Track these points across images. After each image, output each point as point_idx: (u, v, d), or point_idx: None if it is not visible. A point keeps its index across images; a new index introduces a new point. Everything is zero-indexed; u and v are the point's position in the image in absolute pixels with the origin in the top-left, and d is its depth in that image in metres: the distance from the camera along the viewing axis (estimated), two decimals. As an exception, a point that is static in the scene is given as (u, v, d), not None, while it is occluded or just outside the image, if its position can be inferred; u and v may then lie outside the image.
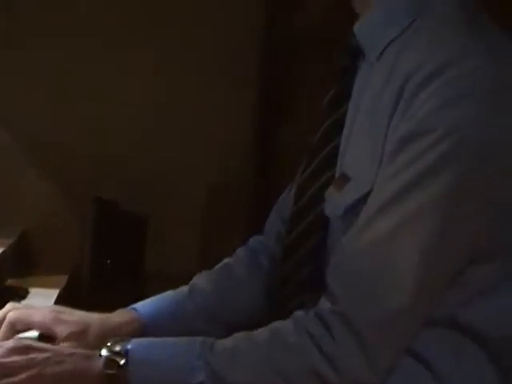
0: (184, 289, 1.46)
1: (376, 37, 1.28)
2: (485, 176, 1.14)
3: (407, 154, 1.15)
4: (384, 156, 1.18)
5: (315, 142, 1.36)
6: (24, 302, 1.72)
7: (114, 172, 3.78)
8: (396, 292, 1.12)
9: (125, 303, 1.43)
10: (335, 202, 1.26)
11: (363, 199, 1.19)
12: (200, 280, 1.48)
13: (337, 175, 1.29)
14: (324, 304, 1.17)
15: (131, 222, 3.03)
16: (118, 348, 1.18)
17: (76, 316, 1.35)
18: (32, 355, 1.18)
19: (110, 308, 1.42)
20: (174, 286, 1.50)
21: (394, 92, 1.19)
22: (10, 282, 1.98)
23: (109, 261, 2.57)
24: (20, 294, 1.78)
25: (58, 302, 1.80)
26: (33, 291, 1.85)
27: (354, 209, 1.21)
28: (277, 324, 1.19)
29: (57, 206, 2.44)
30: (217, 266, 1.50)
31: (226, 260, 1.52)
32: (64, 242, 2.38)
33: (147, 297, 1.47)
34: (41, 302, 1.74)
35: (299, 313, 1.19)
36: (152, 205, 3.60)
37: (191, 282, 1.48)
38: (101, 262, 2.42)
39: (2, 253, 1.98)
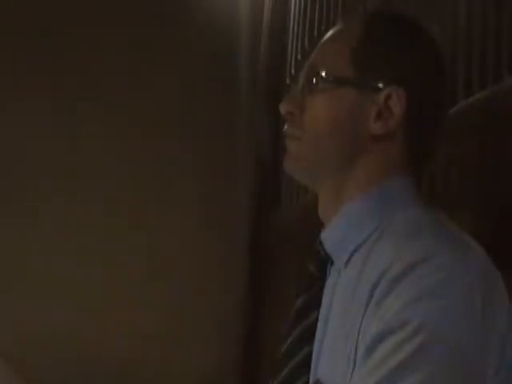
0: None
1: (342, 244, 1.32)
2: (457, 371, 1.14)
3: (380, 353, 1.15)
4: (358, 358, 1.19)
5: (286, 350, 1.35)
6: None
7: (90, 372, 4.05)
8: None
9: None
10: None
11: None
12: None
13: (311, 382, 1.29)
14: None
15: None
16: None
17: None
18: None
19: None
20: None
21: (364, 296, 1.21)
22: None
23: None
24: None
25: None
26: None
27: None
28: None
29: None
30: None
31: None
32: None
33: None
34: None
35: None
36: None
37: None
38: None
39: None
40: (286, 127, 1.40)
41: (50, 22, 4.26)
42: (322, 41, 1.45)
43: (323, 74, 1.35)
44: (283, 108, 1.39)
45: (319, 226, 1.38)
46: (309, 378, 1.31)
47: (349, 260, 1.31)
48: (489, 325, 1.19)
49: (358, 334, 1.22)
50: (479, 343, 1.17)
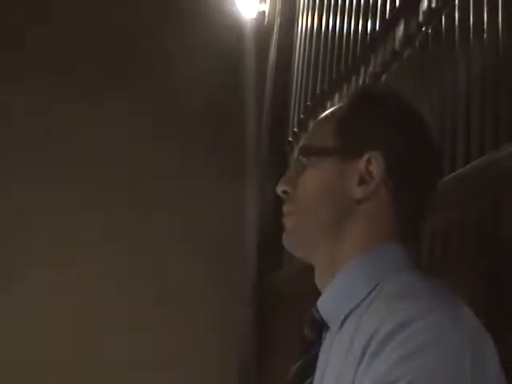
0: None
1: (337, 308, 1.36)
2: None
3: None
4: None
5: None
6: None
7: None
8: None
9: None
10: None
11: None
12: None
13: None
14: None
15: None
16: None
17: None
18: None
19: None
20: None
21: (357, 355, 1.23)
22: None
23: None
24: None
25: None
26: None
27: None
28: None
29: None
30: None
31: None
32: None
33: None
34: None
35: None
36: None
37: None
38: None
39: None
40: (283, 207, 1.46)
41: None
42: (313, 124, 1.54)
43: (309, 149, 1.43)
44: (278, 189, 1.46)
45: (314, 287, 1.42)
46: None
47: (343, 323, 1.35)
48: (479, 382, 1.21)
49: None
50: None
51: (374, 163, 1.39)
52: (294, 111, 3.99)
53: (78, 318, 4.38)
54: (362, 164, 1.39)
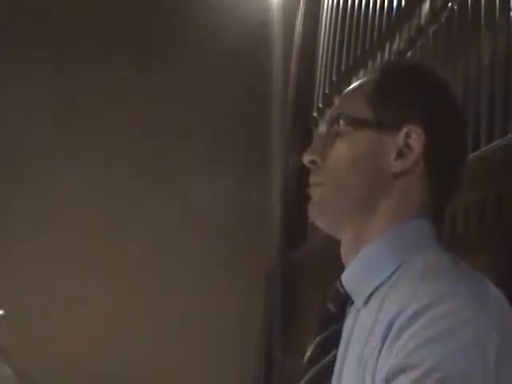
0: None
1: (363, 284, 1.33)
2: None
3: None
4: None
5: None
6: None
7: None
8: None
9: None
10: None
11: None
12: None
13: None
14: None
15: None
16: None
17: None
18: None
19: None
20: None
21: (381, 334, 1.22)
22: None
23: None
24: None
25: None
26: None
27: None
28: None
29: None
30: None
31: None
32: None
33: None
34: None
35: None
36: None
37: None
38: None
39: None
40: (310, 178, 1.40)
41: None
42: (343, 93, 1.48)
43: (342, 119, 1.37)
44: (306, 158, 1.40)
45: (338, 260, 1.40)
46: None
47: (368, 300, 1.32)
48: (504, 371, 1.18)
49: (375, 371, 1.22)
50: None
51: (413, 136, 1.34)
52: (319, 87, 3.98)
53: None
54: (400, 137, 1.34)
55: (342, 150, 1.37)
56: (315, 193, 1.39)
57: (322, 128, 1.33)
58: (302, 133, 4.11)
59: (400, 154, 1.34)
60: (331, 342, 1.35)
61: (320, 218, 1.40)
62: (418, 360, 1.15)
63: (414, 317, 1.18)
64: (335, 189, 1.36)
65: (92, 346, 4.38)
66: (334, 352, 1.34)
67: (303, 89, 4.17)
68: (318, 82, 4.02)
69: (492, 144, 2.04)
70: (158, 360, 4.49)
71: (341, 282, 1.37)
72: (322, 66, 3.98)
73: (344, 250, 1.39)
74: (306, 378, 1.35)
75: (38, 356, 4.01)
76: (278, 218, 4.19)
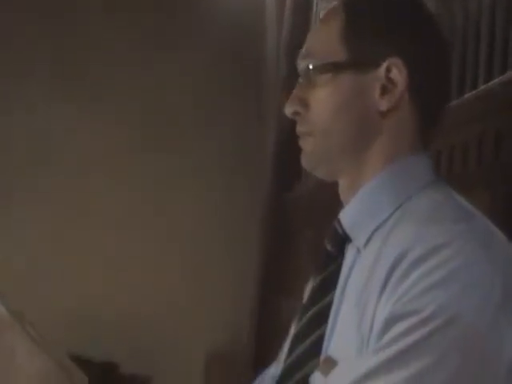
0: None
1: (362, 224, 1.29)
2: (468, 359, 1.12)
3: (390, 334, 1.14)
4: (371, 339, 1.18)
5: (300, 328, 1.33)
6: None
7: (111, 334, 4.08)
8: None
9: None
10: None
11: None
12: None
13: (322, 358, 1.27)
14: None
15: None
16: None
17: None
18: None
19: None
20: None
21: (382, 275, 1.19)
22: None
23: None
24: None
25: None
26: None
27: None
28: None
29: (49, 377, 2.21)
30: None
31: None
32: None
33: None
34: None
35: None
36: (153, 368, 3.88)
37: None
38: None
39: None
40: (297, 128, 1.35)
41: None
42: (310, 32, 1.41)
43: (316, 67, 1.30)
44: (288, 110, 1.35)
45: (336, 200, 1.38)
46: (318, 361, 1.27)
47: (369, 240, 1.28)
48: (506, 317, 1.15)
49: (374, 313, 1.19)
50: (494, 333, 1.15)
51: (394, 70, 1.28)
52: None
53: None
54: (381, 73, 1.28)
55: (323, 100, 1.32)
56: (306, 143, 1.34)
57: (301, 76, 1.26)
58: (296, 74, 4.08)
59: (384, 91, 1.29)
60: (329, 284, 1.33)
61: (315, 168, 1.34)
62: (420, 306, 1.13)
63: (419, 261, 1.15)
64: (325, 138, 1.33)
65: (95, 293, 4.40)
66: (332, 294, 1.31)
67: (298, 30, 4.13)
68: (313, 22, 3.98)
69: (491, 82, 2.03)
70: (162, 305, 4.54)
71: (339, 221, 1.34)
72: (317, 6, 3.94)
73: (343, 191, 1.35)
74: (304, 320, 1.33)
75: (39, 301, 4.03)
76: (273, 159, 4.18)
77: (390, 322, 1.15)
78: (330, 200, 1.45)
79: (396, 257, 1.18)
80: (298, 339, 1.33)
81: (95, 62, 4.62)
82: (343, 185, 1.36)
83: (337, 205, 1.37)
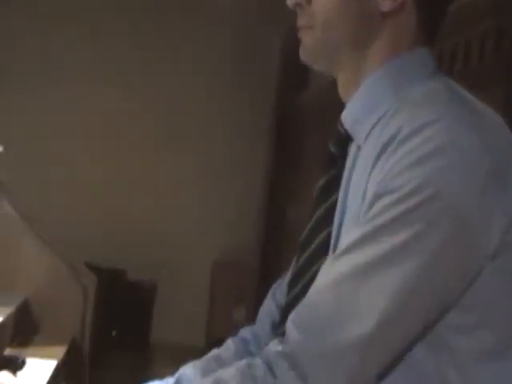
0: (170, 380, 1.45)
1: (361, 122, 1.32)
2: (457, 229, 1.15)
3: (374, 210, 1.17)
4: (361, 212, 1.21)
5: (308, 231, 1.36)
6: (20, 373, 1.66)
7: (119, 241, 4.16)
8: (350, 325, 1.15)
9: (127, 378, 1.38)
10: None
11: None
12: (187, 370, 1.46)
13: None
14: (273, 347, 1.21)
15: (137, 291, 3.05)
16: None
17: None
18: None
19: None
20: (179, 358, 1.51)
21: (374, 156, 1.22)
22: (8, 351, 1.90)
23: (114, 332, 2.44)
24: (17, 365, 1.70)
25: (55, 373, 1.76)
26: (30, 362, 1.78)
27: None
28: (222, 374, 1.23)
29: (58, 275, 2.19)
30: (206, 356, 1.49)
31: (215, 350, 1.51)
32: (65, 312, 2.25)
33: (150, 372, 1.42)
34: (37, 373, 1.72)
35: (243, 362, 1.22)
36: (159, 274, 3.94)
37: (179, 371, 1.46)
38: (104, 334, 2.33)
39: (2, 322, 1.86)
40: (298, 20, 1.35)
41: None
42: None
43: None
44: (290, 1, 1.34)
45: (340, 105, 1.38)
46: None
47: (368, 135, 1.30)
48: (493, 196, 1.17)
49: (365, 190, 1.23)
50: (482, 210, 1.16)
51: None
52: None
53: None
54: None
55: None
56: (305, 36, 1.35)
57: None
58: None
59: None
60: (333, 184, 1.35)
61: (314, 61, 1.36)
62: (403, 181, 1.15)
63: (405, 139, 1.17)
64: (326, 32, 1.33)
65: (91, 191, 4.44)
66: (336, 195, 1.33)
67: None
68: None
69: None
70: (170, 213, 4.58)
71: (341, 121, 1.36)
72: None
73: (342, 89, 1.36)
74: (311, 222, 1.36)
75: (38, 195, 4.06)
76: (279, 67, 4.17)
77: (374, 199, 1.18)
78: (336, 105, 1.42)
79: (388, 137, 1.20)
80: (306, 242, 1.36)
81: None
82: (343, 80, 1.37)
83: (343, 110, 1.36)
